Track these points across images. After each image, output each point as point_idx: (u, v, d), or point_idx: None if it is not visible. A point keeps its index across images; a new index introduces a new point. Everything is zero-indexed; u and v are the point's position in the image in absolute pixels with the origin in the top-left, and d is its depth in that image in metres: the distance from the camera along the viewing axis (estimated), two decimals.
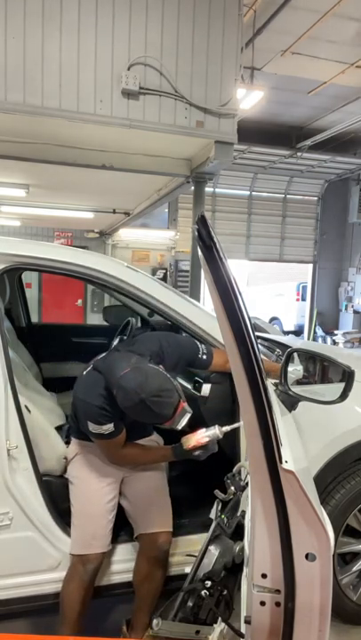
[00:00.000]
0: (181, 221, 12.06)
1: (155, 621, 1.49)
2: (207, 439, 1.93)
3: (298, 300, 15.12)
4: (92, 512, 2.08)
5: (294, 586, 1.18)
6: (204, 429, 1.96)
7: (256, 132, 9.61)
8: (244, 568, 1.53)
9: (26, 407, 2.15)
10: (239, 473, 1.96)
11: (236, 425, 1.99)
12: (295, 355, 2.49)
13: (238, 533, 1.68)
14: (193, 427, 1.98)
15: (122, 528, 2.21)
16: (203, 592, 1.52)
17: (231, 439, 2.28)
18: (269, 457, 1.14)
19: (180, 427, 1.84)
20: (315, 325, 13.73)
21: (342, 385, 1.82)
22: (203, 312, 2.33)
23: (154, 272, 12.01)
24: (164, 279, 11.73)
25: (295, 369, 2.51)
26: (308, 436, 2.07)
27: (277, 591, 1.22)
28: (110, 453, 2.09)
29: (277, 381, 1.93)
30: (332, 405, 1.97)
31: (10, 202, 7.93)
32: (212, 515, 1.85)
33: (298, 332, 14.49)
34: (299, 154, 10.54)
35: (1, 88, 4.04)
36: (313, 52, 7.05)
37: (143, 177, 5.63)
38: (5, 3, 3.95)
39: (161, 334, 2.25)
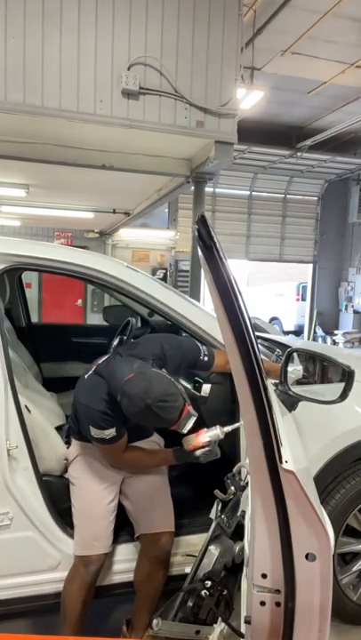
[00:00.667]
0: (181, 221, 12.06)
1: (155, 621, 1.49)
2: (208, 439, 1.92)
3: (298, 299, 15.11)
4: (93, 513, 2.08)
5: (294, 586, 1.18)
6: (205, 429, 1.95)
7: (256, 132, 9.61)
8: (244, 568, 1.53)
9: (26, 407, 2.15)
10: (239, 473, 1.96)
11: (236, 425, 1.98)
12: (295, 354, 2.49)
13: (238, 533, 1.68)
14: (195, 427, 1.98)
15: (122, 528, 2.21)
16: (203, 592, 1.52)
17: (231, 439, 2.28)
18: (269, 457, 1.14)
19: (185, 430, 1.83)
20: (315, 325, 13.73)
21: (342, 385, 1.82)
22: (203, 312, 2.32)
23: (154, 272, 12.01)
24: (164, 279, 11.73)
25: (295, 369, 2.51)
26: (308, 436, 2.07)
27: (277, 591, 1.22)
28: (111, 458, 2.09)
29: (277, 381, 1.92)
30: (333, 405, 1.97)
31: (10, 202, 7.93)
32: (212, 515, 1.85)
33: (298, 332, 14.49)
34: (299, 154, 10.54)
35: (1, 88, 4.04)
36: (313, 52, 7.05)
37: (143, 177, 5.63)
38: (5, 3, 3.95)
39: (162, 337, 2.23)
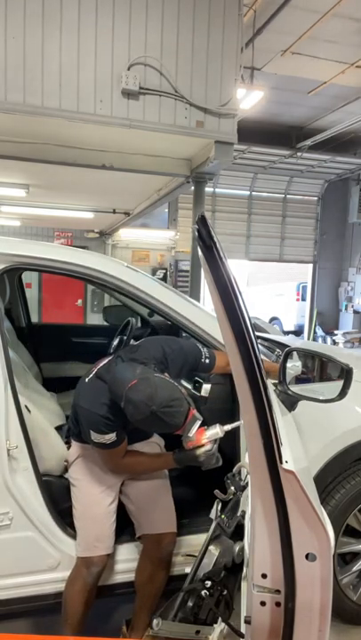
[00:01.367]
0: (181, 221, 12.06)
1: (155, 621, 1.48)
2: (208, 437, 1.91)
3: (298, 300, 15.11)
4: (94, 515, 2.08)
5: (294, 586, 1.18)
6: (205, 428, 1.94)
7: (256, 132, 9.61)
8: (244, 568, 1.53)
9: (26, 407, 2.15)
10: (239, 473, 1.96)
11: (236, 424, 1.97)
12: (294, 352, 2.50)
13: (238, 533, 1.68)
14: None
15: (123, 528, 2.20)
16: (203, 592, 1.52)
17: (231, 439, 2.28)
18: (269, 457, 1.14)
19: (191, 434, 1.82)
20: (315, 325, 13.73)
21: (341, 383, 1.82)
22: (203, 312, 2.32)
23: (154, 272, 12.01)
24: (164, 279, 11.74)
25: (294, 365, 2.51)
26: (308, 436, 2.07)
27: (277, 591, 1.21)
28: (111, 463, 2.08)
29: (277, 381, 1.92)
30: (333, 405, 1.97)
31: (10, 202, 7.93)
32: (212, 515, 1.85)
33: (298, 332, 14.49)
34: (299, 154, 10.54)
35: (1, 88, 4.04)
36: (313, 52, 7.05)
37: (143, 177, 5.63)
38: (5, 2, 3.95)
39: (163, 339, 2.21)
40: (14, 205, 8.15)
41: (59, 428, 2.42)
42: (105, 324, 4.27)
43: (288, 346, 2.52)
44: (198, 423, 1.83)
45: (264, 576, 1.23)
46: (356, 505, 2.34)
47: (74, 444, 2.21)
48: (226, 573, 1.59)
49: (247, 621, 1.27)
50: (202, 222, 1.11)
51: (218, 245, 1.10)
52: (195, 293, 5.89)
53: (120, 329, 3.66)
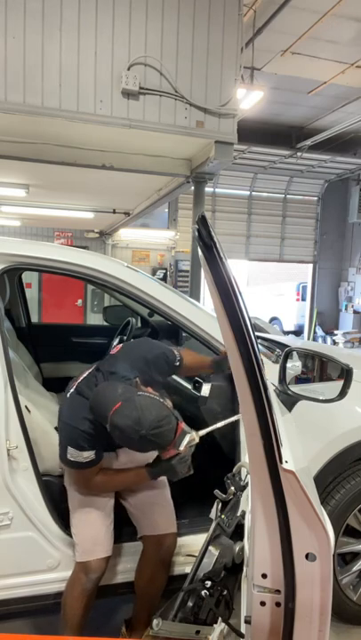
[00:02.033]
0: (181, 221, 12.07)
1: (155, 621, 1.48)
2: (184, 445, 1.82)
3: (298, 300, 15.12)
4: (90, 518, 2.05)
5: (294, 586, 1.18)
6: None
7: (256, 132, 9.62)
8: (244, 568, 1.53)
9: (26, 407, 2.15)
10: (239, 473, 1.95)
11: (211, 428, 1.93)
12: (294, 352, 2.50)
13: (238, 533, 1.67)
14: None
15: (123, 528, 2.20)
16: (203, 592, 1.52)
17: (231, 439, 2.28)
18: (269, 457, 1.14)
19: (181, 447, 1.77)
20: (315, 325, 13.73)
21: (341, 383, 1.82)
22: (203, 312, 2.32)
23: (154, 272, 12.02)
24: (164, 279, 11.74)
25: (294, 365, 2.51)
26: (308, 436, 2.07)
27: (277, 591, 1.21)
28: (82, 483, 2.00)
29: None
30: (333, 405, 1.97)
31: (10, 202, 7.94)
32: (212, 515, 1.85)
33: (298, 332, 14.49)
34: (299, 154, 10.55)
35: (1, 88, 4.05)
36: (313, 51, 7.05)
37: (143, 177, 5.64)
38: (5, 2, 3.95)
39: (143, 346, 2.14)
40: (14, 205, 8.15)
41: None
42: (105, 324, 4.27)
43: (288, 346, 2.52)
44: (188, 437, 1.78)
45: (264, 576, 1.23)
46: (357, 505, 2.34)
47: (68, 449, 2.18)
48: (226, 573, 1.59)
49: (247, 621, 1.27)
50: (202, 222, 1.11)
51: (218, 245, 1.10)
52: (195, 293, 5.89)
53: (120, 329, 3.66)
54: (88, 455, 1.86)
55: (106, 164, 5.15)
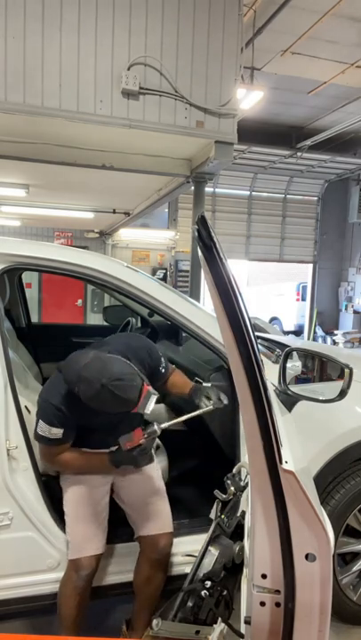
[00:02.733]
0: (181, 221, 12.07)
1: (155, 622, 1.48)
2: (146, 436, 1.87)
3: (298, 300, 15.12)
4: (82, 515, 2.06)
5: (294, 586, 1.18)
6: (142, 427, 1.91)
7: (256, 132, 9.62)
8: (244, 568, 1.53)
9: (26, 407, 2.15)
10: (239, 473, 1.96)
11: (174, 421, 1.97)
12: (294, 352, 2.50)
13: (238, 533, 1.67)
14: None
15: (122, 528, 2.20)
16: (203, 592, 1.52)
17: (231, 439, 2.28)
18: (269, 457, 1.14)
19: (148, 411, 1.79)
20: (315, 325, 13.74)
21: (341, 383, 1.82)
22: (203, 312, 2.32)
23: (154, 272, 12.02)
24: (164, 279, 11.74)
25: (294, 365, 2.51)
26: (308, 436, 2.07)
27: (277, 591, 1.21)
28: (46, 457, 2.03)
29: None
30: (333, 406, 1.97)
31: (10, 202, 7.94)
32: (212, 515, 1.85)
33: (298, 332, 14.49)
34: (299, 154, 10.55)
35: (1, 88, 4.05)
36: (313, 52, 7.05)
37: (143, 177, 5.64)
38: (5, 3, 3.95)
39: (131, 335, 2.21)
40: (14, 205, 8.15)
41: None
42: (105, 324, 4.27)
43: (288, 346, 2.52)
44: (154, 399, 1.81)
45: (264, 576, 1.23)
46: (357, 505, 2.34)
47: None
48: (226, 573, 1.59)
49: (247, 622, 1.27)
50: (202, 222, 1.11)
51: (218, 245, 1.10)
52: (195, 293, 5.89)
53: (120, 329, 3.66)
54: (56, 432, 1.90)
55: (106, 164, 5.15)
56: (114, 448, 1.96)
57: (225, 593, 1.56)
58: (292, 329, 14.85)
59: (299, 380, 2.63)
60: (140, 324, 3.90)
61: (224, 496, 1.80)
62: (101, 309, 6.16)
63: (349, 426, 2.32)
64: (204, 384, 2.31)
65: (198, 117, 4.50)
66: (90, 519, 2.06)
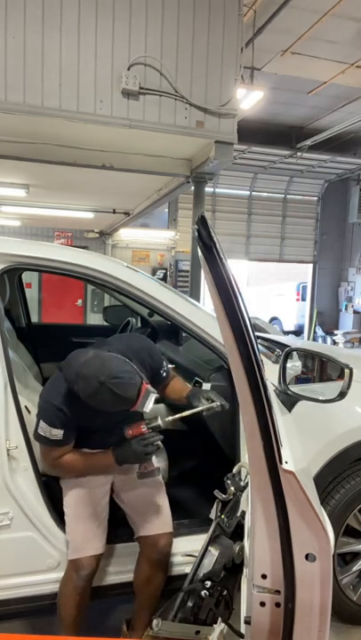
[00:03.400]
0: (181, 221, 12.07)
1: (155, 622, 1.48)
2: (147, 426, 1.88)
3: (298, 300, 15.12)
4: (81, 515, 2.06)
5: (294, 586, 1.18)
6: (146, 420, 1.92)
7: (256, 132, 9.62)
8: (244, 568, 1.53)
9: (26, 407, 2.15)
10: (239, 473, 1.96)
11: (178, 416, 1.97)
12: (294, 352, 2.50)
13: (238, 533, 1.68)
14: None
15: (122, 528, 2.20)
16: (203, 592, 1.52)
17: (231, 439, 2.28)
18: (269, 457, 1.14)
19: (147, 409, 1.80)
20: (315, 325, 13.74)
21: (341, 383, 1.82)
22: (203, 312, 2.32)
23: (154, 272, 12.02)
24: (164, 279, 11.74)
25: (294, 365, 2.51)
26: (308, 436, 2.07)
27: (277, 592, 1.22)
28: (48, 460, 2.01)
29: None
30: (333, 405, 1.97)
31: (10, 202, 7.94)
32: (212, 515, 1.85)
33: (298, 332, 14.49)
34: (299, 154, 10.55)
35: (1, 88, 4.05)
36: (313, 52, 7.05)
37: (143, 177, 5.64)
38: (5, 2, 3.95)
39: (133, 336, 2.21)
40: (14, 205, 8.15)
41: None
42: (105, 324, 4.27)
43: (288, 346, 2.52)
44: (153, 397, 1.81)
45: (264, 576, 1.23)
46: (356, 505, 2.34)
47: None
48: (226, 574, 1.59)
49: (247, 622, 1.27)
50: (202, 222, 1.11)
51: (218, 245, 1.10)
52: (195, 293, 5.89)
53: (120, 329, 3.66)
54: (57, 433, 1.89)
55: (106, 164, 5.15)
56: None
57: (225, 593, 1.56)
58: (292, 329, 14.85)
59: (299, 380, 2.63)
60: (140, 324, 3.89)
61: (224, 496, 1.80)
62: (101, 309, 6.16)
63: (349, 426, 2.32)
64: (204, 385, 2.32)
65: (198, 117, 4.50)
66: (90, 519, 2.06)
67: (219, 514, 1.79)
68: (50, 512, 2.10)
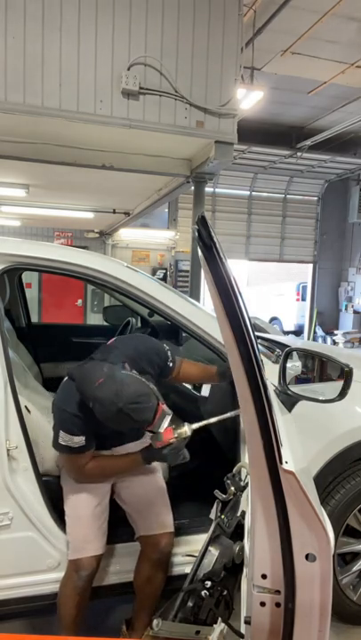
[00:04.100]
0: (181, 221, 12.07)
1: (155, 622, 1.48)
2: (176, 436, 1.88)
3: (298, 300, 15.12)
4: (82, 515, 2.05)
5: (294, 586, 1.18)
6: (173, 427, 1.91)
7: (256, 132, 9.62)
8: (244, 568, 1.53)
9: (26, 407, 2.15)
10: (239, 473, 1.96)
11: (204, 422, 1.96)
12: (294, 352, 2.50)
13: (238, 533, 1.68)
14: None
15: (122, 528, 2.20)
16: (203, 592, 1.52)
17: (231, 439, 2.28)
18: (269, 457, 1.14)
19: (161, 430, 1.81)
20: (315, 325, 13.74)
21: (341, 383, 1.82)
22: (203, 312, 2.32)
23: (154, 272, 12.02)
24: (164, 279, 11.74)
25: (294, 365, 2.51)
26: (308, 436, 2.07)
27: (277, 592, 1.21)
28: (75, 471, 2.02)
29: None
30: (333, 406, 1.97)
31: (10, 202, 7.94)
32: (212, 515, 1.85)
33: (298, 332, 14.49)
34: (299, 154, 10.55)
35: (1, 88, 4.05)
36: (313, 51, 7.05)
37: (143, 177, 5.64)
38: (5, 3, 3.95)
39: (137, 337, 2.21)
40: (14, 205, 8.15)
41: None
42: (105, 324, 4.27)
43: (288, 346, 2.51)
44: (169, 418, 1.81)
45: (264, 576, 1.23)
46: (357, 505, 2.34)
47: None
48: (226, 573, 1.59)
49: (247, 622, 1.27)
50: (202, 222, 1.11)
51: (218, 245, 1.10)
52: (195, 293, 5.89)
53: (120, 329, 3.66)
54: (79, 440, 1.89)
55: (106, 164, 5.15)
56: (147, 439, 1.95)
57: (225, 593, 1.56)
58: (292, 329, 14.84)
59: (299, 380, 2.63)
60: (140, 324, 3.90)
61: (224, 496, 1.80)
62: (101, 309, 6.16)
63: (349, 426, 2.32)
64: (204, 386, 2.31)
65: (198, 117, 4.50)
66: (90, 519, 2.05)
67: (219, 514, 1.79)
68: (50, 512, 2.09)
